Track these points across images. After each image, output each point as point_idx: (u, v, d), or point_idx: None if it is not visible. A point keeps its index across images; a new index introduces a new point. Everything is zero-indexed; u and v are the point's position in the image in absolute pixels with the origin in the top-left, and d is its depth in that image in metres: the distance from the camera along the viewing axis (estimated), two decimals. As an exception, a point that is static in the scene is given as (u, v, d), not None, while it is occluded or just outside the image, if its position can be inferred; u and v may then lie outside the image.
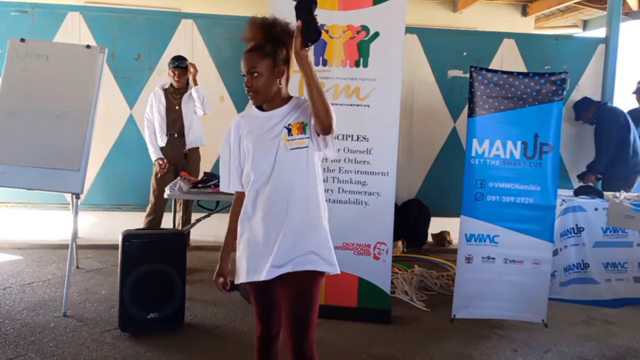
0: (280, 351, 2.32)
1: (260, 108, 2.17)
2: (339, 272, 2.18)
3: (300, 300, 2.11)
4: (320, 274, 2.13)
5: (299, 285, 2.10)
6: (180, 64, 4.88)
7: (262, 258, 2.10)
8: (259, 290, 2.19)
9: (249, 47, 2.10)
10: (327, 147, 2.12)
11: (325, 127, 2.01)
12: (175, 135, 4.92)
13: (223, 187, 2.26)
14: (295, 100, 2.17)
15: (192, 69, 4.88)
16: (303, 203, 2.10)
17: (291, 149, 2.07)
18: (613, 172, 5.52)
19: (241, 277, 2.17)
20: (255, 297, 2.23)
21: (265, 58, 2.07)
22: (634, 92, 5.90)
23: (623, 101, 6.33)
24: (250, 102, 2.19)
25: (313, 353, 2.12)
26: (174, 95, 4.93)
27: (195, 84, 4.89)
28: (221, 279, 2.23)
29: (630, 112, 5.98)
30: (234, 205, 2.24)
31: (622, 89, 6.48)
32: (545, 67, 6.17)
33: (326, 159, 2.28)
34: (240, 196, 2.21)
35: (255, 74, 2.07)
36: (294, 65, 2.07)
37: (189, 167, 4.92)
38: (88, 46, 4.16)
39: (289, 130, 2.08)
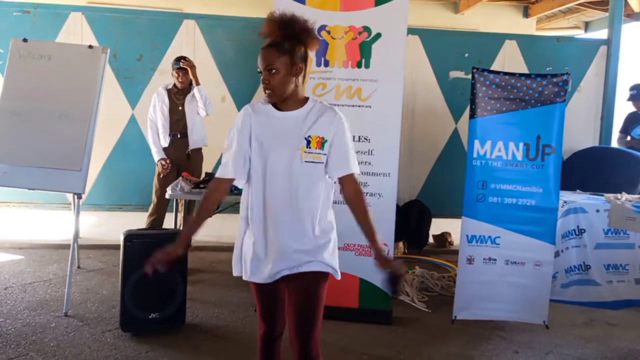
0: (284, 352, 2.32)
1: (274, 105, 2.13)
2: (339, 278, 2.19)
3: (306, 298, 2.12)
4: (324, 274, 2.14)
5: (304, 284, 2.11)
6: (183, 66, 4.87)
7: (266, 260, 2.10)
8: (264, 289, 2.19)
9: (266, 43, 2.07)
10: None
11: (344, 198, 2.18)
12: (178, 136, 4.91)
13: (225, 172, 2.11)
14: (311, 104, 2.13)
15: (189, 68, 4.86)
16: (311, 211, 2.09)
17: (305, 162, 2.06)
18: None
19: (243, 275, 2.17)
20: (259, 297, 2.23)
21: (282, 55, 2.04)
22: (629, 100, 5.94)
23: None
24: (256, 97, 2.18)
25: (318, 352, 2.13)
26: (177, 96, 4.93)
27: (197, 83, 4.88)
28: (164, 257, 2.08)
29: (631, 114, 5.99)
30: (214, 191, 2.16)
31: (623, 91, 6.48)
32: (547, 69, 6.18)
33: None
34: (224, 185, 2.13)
35: (273, 71, 2.03)
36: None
37: (191, 167, 4.91)
38: (90, 46, 4.16)
39: (308, 142, 2.06)
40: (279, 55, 2.03)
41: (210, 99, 4.96)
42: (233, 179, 2.12)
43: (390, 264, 2.06)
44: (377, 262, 2.09)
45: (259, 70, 2.07)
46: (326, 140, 2.08)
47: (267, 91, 2.06)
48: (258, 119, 2.12)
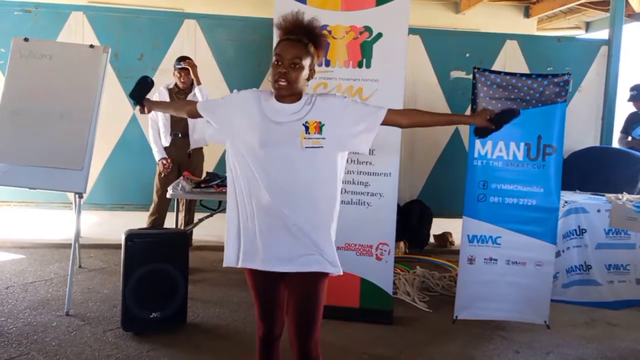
0: (282, 352, 2.33)
1: (274, 95, 2.15)
2: (342, 273, 2.18)
3: (306, 299, 2.11)
4: (325, 274, 2.13)
5: (305, 284, 2.11)
6: (185, 66, 4.86)
7: (263, 248, 2.09)
8: (263, 288, 2.19)
9: (293, 36, 2.08)
10: (364, 144, 2.17)
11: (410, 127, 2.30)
12: (179, 135, 4.91)
13: (200, 104, 2.29)
14: (306, 96, 2.15)
15: (191, 68, 4.85)
16: (312, 201, 2.08)
17: (306, 147, 2.06)
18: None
19: (231, 261, 2.16)
20: (258, 297, 2.22)
21: (307, 55, 2.08)
22: (629, 100, 5.94)
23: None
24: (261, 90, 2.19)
25: (318, 352, 2.13)
26: (178, 96, 4.92)
27: (199, 82, 4.87)
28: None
29: (632, 114, 5.99)
30: (189, 104, 2.39)
31: (624, 91, 6.47)
32: (548, 69, 6.17)
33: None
34: (192, 107, 2.29)
35: (297, 66, 2.05)
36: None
37: (192, 167, 4.91)
38: (91, 46, 4.16)
39: (307, 128, 2.07)
40: (305, 54, 2.07)
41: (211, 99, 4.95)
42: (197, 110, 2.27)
43: (483, 113, 2.20)
44: (480, 119, 2.20)
45: (275, 60, 2.06)
46: (324, 124, 2.08)
47: (282, 82, 2.05)
48: (262, 104, 2.14)
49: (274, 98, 2.14)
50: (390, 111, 2.16)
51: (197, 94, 4.86)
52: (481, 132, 2.22)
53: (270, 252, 2.08)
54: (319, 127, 2.08)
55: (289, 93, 2.09)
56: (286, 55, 2.04)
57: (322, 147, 2.07)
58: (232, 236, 2.17)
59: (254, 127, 2.09)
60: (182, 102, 2.34)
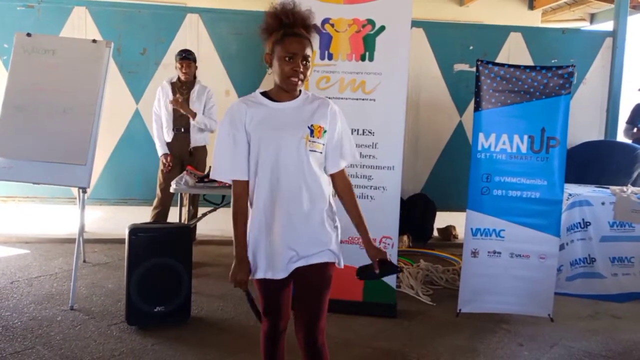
0: (287, 347, 2.33)
1: (265, 96, 2.13)
2: (342, 267, 2.21)
3: (316, 290, 2.14)
4: (331, 264, 2.16)
5: (315, 275, 2.12)
6: (187, 56, 4.85)
7: (278, 254, 2.09)
8: (270, 285, 2.18)
9: (301, 33, 2.04)
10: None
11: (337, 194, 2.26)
12: (182, 130, 4.90)
13: (222, 174, 2.15)
14: (305, 95, 2.15)
15: (178, 106, 4.76)
16: (321, 199, 2.11)
17: (310, 150, 2.07)
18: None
19: (257, 274, 2.13)
20: (265, 291, 2.21)
21: (311, 51, 2.08)
22: None
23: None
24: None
25: (324, 341, 2.15)
26: (181, 90, 4.90)
27: (193, 116, 4.79)
28: (244, 278, 2.10)
29: (638, 105, 5.95)
30: (241, 198, 2.10)
31: (629, 83, 6.45)
32: (552, 61, 6.14)
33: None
34: (244, 186, 2.11)
35: (308, 63, 2.06)
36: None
37: (195, 161, 4.91)
38: (94, 41, 4.15)
39: (312, 132, 2.08)
40: (310, 50, 2.07)
41: (211, 121, 4.88)
42: (244, 179, 2.11)
43: (382, 252, 2.22)
44: (370, 252, 2.22)
45: (287, 57, 2.01)
46: (326, 131, 2.11)
47: (294, 79, 2.03)
48: (255, 111, 2.10)
49: (267, 98, 2.12)
50: (343, 170, 2.21)
51: (196, 125, 4.81)
52: (362, 273, 2.23)
53: (286, 258, 2.08)
54: (322, 132, 2.10)
55: (296, 89, 2.09)
56: (300, 52, 2.01)
57: (321, 152, 2.11)
58: (250, 250, 2.14)
59: (262, 135, 2.07)
60: (236, 202, 2.14)
